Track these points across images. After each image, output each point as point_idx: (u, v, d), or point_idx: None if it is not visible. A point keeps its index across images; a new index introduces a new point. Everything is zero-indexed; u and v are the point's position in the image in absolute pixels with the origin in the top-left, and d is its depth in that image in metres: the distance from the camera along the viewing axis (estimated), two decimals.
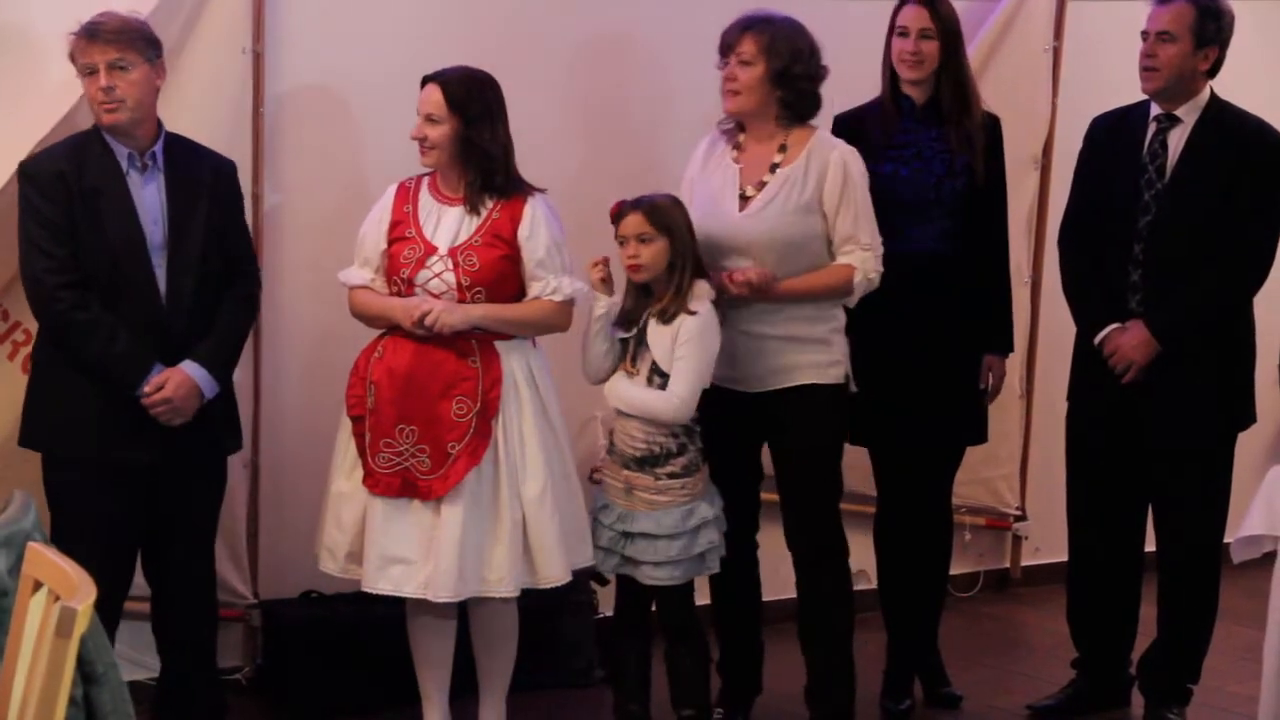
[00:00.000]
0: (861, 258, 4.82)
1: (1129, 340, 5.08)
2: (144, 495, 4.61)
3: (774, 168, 4.83)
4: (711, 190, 4.87)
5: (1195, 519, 5.17)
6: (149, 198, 4.57)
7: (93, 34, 4.49)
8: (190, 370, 4.55)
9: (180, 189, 4.59)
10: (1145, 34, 5.08)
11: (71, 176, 4.49)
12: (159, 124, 4.62)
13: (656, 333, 4.69)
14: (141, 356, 4.52)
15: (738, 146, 4.90)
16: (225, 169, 4.74)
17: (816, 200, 4.80)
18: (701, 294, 4.69)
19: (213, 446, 4.71)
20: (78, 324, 4.49)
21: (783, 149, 4.84)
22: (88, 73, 4.51)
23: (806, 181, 4.80)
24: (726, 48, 4.83)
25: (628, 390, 4.72)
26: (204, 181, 4.63)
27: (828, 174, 4.80)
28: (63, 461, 4.59)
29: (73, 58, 4.55)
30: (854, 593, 5.06)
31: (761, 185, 4.83)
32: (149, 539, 4.71)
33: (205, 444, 4.67)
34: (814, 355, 4.85)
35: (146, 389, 4.51)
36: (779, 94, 4.80)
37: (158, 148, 4.59)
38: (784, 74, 4.77)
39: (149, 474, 4.60)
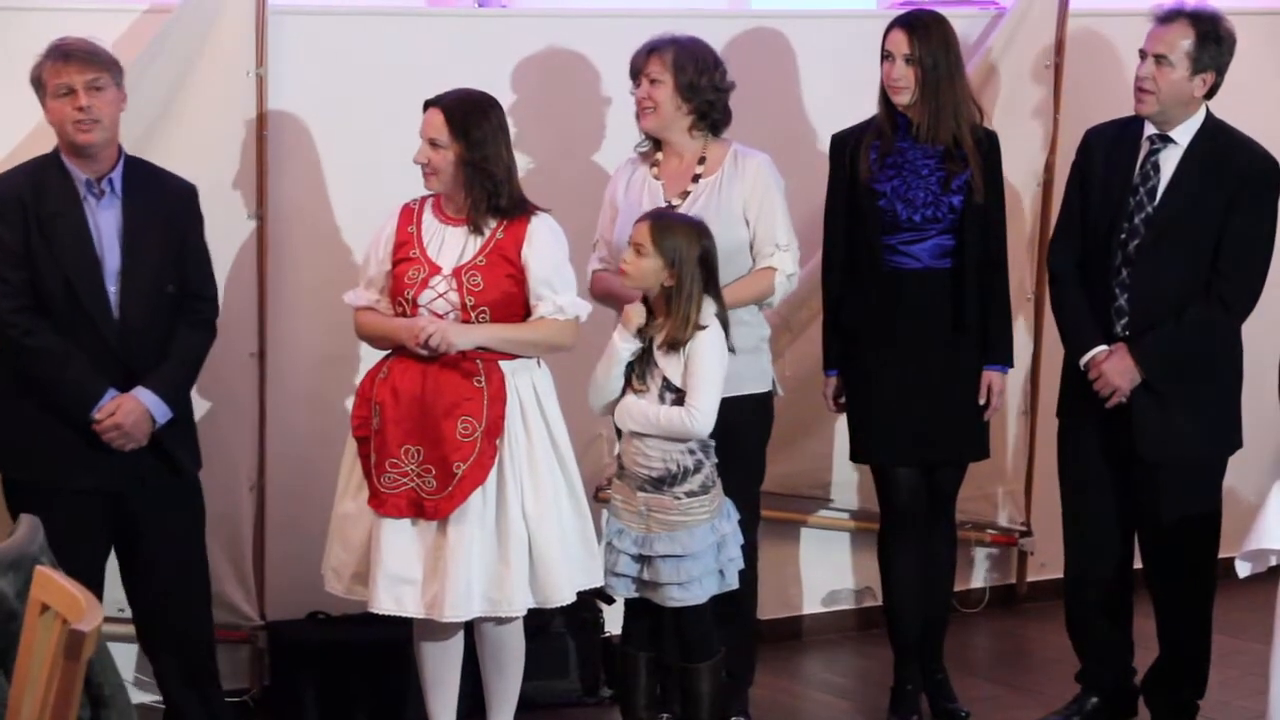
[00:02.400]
0: (781, 259, 5.00)
1: (1113, 367, 5.06)
2: (102, 522, 4.60)
3: (696, 178, 5.01)
4: (636, 206, 4.96)
5: (1185, 538, 5.13)
6: (105, 223, 4.56)
7: (68, 55, 4.46)
8: (142, 397, 4.55)
9: (137, 215, 4.57)
10: (1142, 53, 5.07)
11: (30, 201, 4.47)
12: (119, 149, 4.60)
13: (666, 353, 4.69)
14: (93, 383, 4.51)
15: (655, 164, 5.06)
16: (185, 193, 4.72)
17: (740, 208, 4.96)
18: (709, 309, 4.69)
19: (172, 469, 4.68)
20: (29, 350, 4.49)
21: (702, 161, 5.02)
22: (62, 94, 4.46)
23: (730, 189, 4.97)
24: (636, 72, 5.01)
25: (644, 410, 4.69)
26: (162, 207, 4.62)
27: (748, 182, 4.99)
28: (18, 485, 4.59)
29: (39, 81, 4.49)
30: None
31: (685, 195, 4.98)
32: (126, 567, 4.70)
33: (163, 468, 4.65)
34: (748, 363, 4.95)
35: (98, 415, 4.50)
36: (690, 106, 4.96)
37: (116, 173, 4.57)
38: (692, 86, 4.95)
39: (108, 500, 4.59)
